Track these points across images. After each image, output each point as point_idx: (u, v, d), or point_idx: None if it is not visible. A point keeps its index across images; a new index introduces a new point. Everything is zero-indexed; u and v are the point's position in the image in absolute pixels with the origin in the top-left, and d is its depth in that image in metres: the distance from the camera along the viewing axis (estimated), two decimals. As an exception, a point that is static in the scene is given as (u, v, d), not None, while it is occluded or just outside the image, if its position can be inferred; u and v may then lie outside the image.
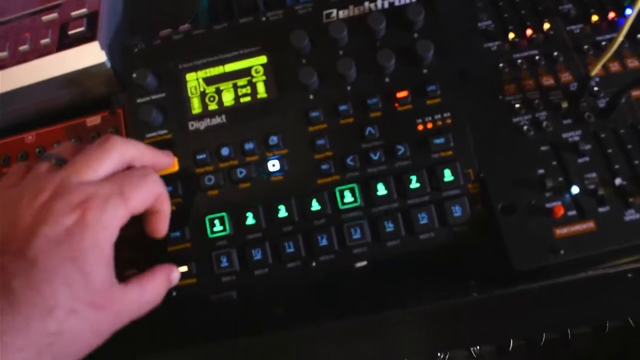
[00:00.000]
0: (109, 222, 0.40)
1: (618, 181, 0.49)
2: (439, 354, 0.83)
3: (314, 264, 0.51)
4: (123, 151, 0.44)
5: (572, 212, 0.49)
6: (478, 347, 0.83)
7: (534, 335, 0.79)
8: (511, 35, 0.56)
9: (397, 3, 0.55)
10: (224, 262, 0.51)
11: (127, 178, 0.43)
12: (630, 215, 0.48)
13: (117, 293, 0.41)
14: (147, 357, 0.55)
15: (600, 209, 0.48)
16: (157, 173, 0.47)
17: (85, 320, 0.38)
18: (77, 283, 0.38)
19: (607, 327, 0.80)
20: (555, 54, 0.54)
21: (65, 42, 0.57)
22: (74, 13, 0.59)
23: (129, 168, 0.46)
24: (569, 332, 0.80)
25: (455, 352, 0.84)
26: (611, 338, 0.81)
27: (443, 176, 0.51)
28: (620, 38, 0.46)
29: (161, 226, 0.48)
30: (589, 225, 0.48)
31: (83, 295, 0.38)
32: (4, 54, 0.58)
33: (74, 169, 0.42)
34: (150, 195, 0.45)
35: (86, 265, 0.38)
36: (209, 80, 0.55)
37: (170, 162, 0.51)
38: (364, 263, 0.53)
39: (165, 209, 0.47)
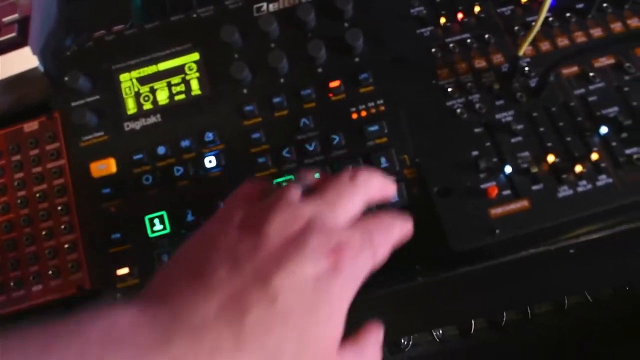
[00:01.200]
0: (359, 273, 0.36)
1: (551, 158, 0.50)
2: (402, 340, 0.83)
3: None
4: (371, 189, 0.40)
5: (507, 192, 0.49)
6: (440, 331, 0.84)
7: (493, 314, 0.79)
8: (443, 20, 0.56)
9: (326, -6, 0.55)
10: (166, 261, 0.51)
11: (375, 227, 0.38)
12: (564, 191, 0.49)
13: (338, 355, 0.35)
14: None
15: (534, 187, 0.49)
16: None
17: None
18: (311, 335, 0.33)
19: (566, 304, 0.81)
20: (487, 36, 0.55)
21: (-4, 49, 0.57)
22: (6, 19, 0.58)
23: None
24: (529, 310, 0.81)
25: (420, 337, 0.85)
26: (572, 314, 0.82)
27: (379, 163, 0.51)
28: (542, 16, 0.47)
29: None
30: (523, 203, 0.49)
31: (312, 350, 0.33)
32: None
33: (327, 203, 0.37)
34: (395, 241, 0.40)
35: (325, 317, 0.33)
36: (142, 80, 0.55)
37: (394, 191, 0.44)
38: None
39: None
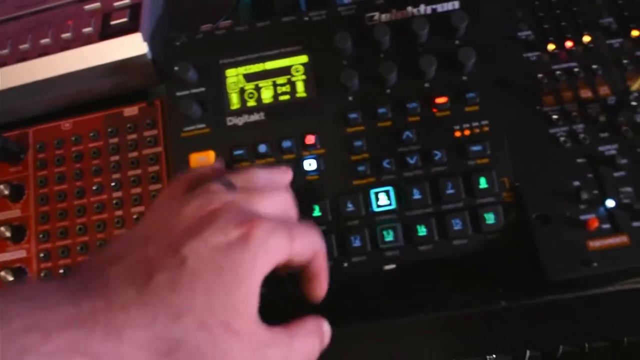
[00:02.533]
0: (272, 250, 0.37)
1: (653, 196, 0.49)
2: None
3: (345, 264, 0.52)
4: (287, 199, 0.44)
5: (606, 226, 0.49)
6: (494, 356, 0.83)
7: (552, 347, 0.79)
8: (551, 47, 0.56)
9: (439, 9, 0.55)
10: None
11: (294, 223, 0.41)
12: (664, 231, 0.48)
13: (260, 328, 0.36)
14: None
15: (635, 224, 0.49)
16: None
17: (214, 341, 0.33)
18: (218, 296, 0.34)
19: (625, 341, 0.80)
20: (594, 67, 0.55)
21: (107, 32, 0.58)
22: (117, 3, 0.60)
23: None
24: (586, 345, 0.80)
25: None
26: (629, 353, 0.81)
27: (478, 183, 0.51)
28: (664, 54, 0.47)
29: (320, 291, 0.45)
30: (623, 239, 0.48)
31: (219, 311, 0.33)
32: (46, 40, 0.58)
33: (247, 194, 0.40)
34: (314, 247, 0.41)
35: (233, 280, 0.34)
36: (248, 77, 0.56)
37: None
38: (392, 266, 0.53)
39: (324, 269, 0.44)
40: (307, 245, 0.40)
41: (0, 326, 0.29)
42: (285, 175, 0.48)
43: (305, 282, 0.44)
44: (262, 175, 0.44)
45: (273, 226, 0.37)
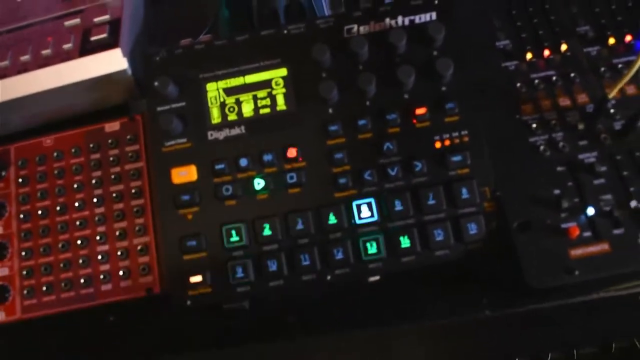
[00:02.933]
0: None
1: (633, 203, 0.49)
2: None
3: (329, 277, 0.52)
4: None
5: (587, 233, 0.49)
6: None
7: (540, 354, 0.79)
8: (529, 55, 0.56)
9: (417, 20, 0.55)
10: (239, 273, 0.52)
11: None
12: (645, 237, 0.49)
13: None
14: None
15: (615, 231, 0.49)
16: None
17: None
18: None
19: (613, 347, 0.80)
20: (572, 75, 0.55)
21: (87, 48, 0.58)
22: (97, 19, 0.59)
23: None
24: (575, 352, 0.80)
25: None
26: (617, 358, 0.81)
27: (460, 193, 0.51)
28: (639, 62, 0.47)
29: None
30: (604, 246, 0.49)
31: None
32: (26, 57, 0.58)
33: None
34: None
35: None
36: (229, 91, 0.56)
37: None
38: (377, 278, 0.53)
39: None
40: None
41: None
42: None
43: None
44: None
45: None
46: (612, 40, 0.56)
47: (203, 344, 0.57)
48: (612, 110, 0.53)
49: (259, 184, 0.53)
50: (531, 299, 0.51)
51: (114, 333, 0.59)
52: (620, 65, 0.55)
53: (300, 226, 0.52)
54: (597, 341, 0.74)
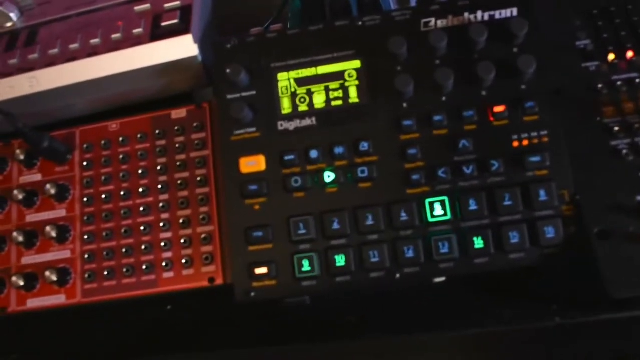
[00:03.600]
0: None
1: None
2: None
3: (398, 275, 0.50)
4: None
5: (671, 243, 0.47)
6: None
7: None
8: (611, 56, 0.54)
9: (497, 16, 0.54)
10: (306, 266, 0.51)
11: None
12: None
13: None
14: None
15: (701, 242, 0.47)
16: None
17: None
18: None
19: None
20: (657, 78, 0.53)
21: (158, 33, 0.57)
22: (167, 5, 0.59)
23: None
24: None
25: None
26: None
27: (537, 195, 0.50)
28: None
29: None
30: (689, 257, 0.47)
31: None
32: (96, 41, 0.58)
33: None
34: None
35: None
36: (300, 81, 0.55)
37: None
38: (442, 279, 0.52)
39: None
40: None
41: None
42: None
43: None
44: None
45: None
46: (699, 44, 0.54)
47: (259, 338, 0.56)
48: (699, 117, 0.51)
49: (329, 176, 0.52)
50: (605, 308, 0.50)
51: (172, 323, 0.59)
52: None
53: (370, 222, 0.51)
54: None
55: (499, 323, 0.52)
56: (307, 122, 0.54)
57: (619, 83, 0.53)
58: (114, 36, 0.58)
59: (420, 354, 0.57)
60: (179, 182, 0.57)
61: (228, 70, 0.54)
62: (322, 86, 0.54)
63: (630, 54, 0.54)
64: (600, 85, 0.53)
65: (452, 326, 0.53)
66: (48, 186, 0.58)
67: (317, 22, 0.56)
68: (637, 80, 0.53)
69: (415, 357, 0.58)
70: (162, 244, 0.56)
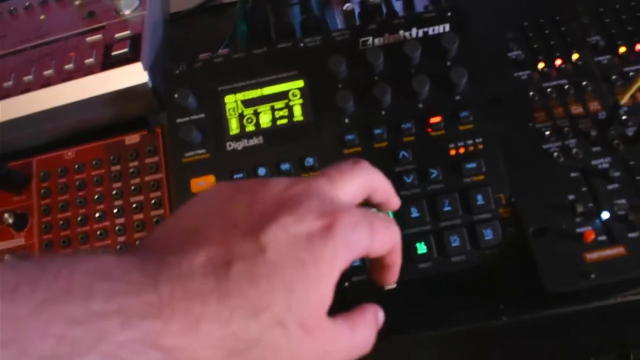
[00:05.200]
0: (353, 244, 0.34)
1: (647, 207, 0.50)
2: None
3: (346, 284, 0.52)
4: (373, 178, 0.40)
5: (603, 237, 0.50)
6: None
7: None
8: (541, 65, 0.57)
9: (430, 32, 0.57)
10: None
11: (375, 215, 0.37)
12: (660, 241, 0.49)
13: (328, 325, 0.34)
14: None
15: (630, 235, 0.49)
16: None
17: (289, 340, 0.31)
18: (298, 293, 0.31)
19: (631, 355, 0.80)
20: (584, 83, 0.56)
21: (109, 62, 0.59)
22: (118, 35, 0.61)
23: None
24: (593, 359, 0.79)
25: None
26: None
27: (475, 200, 0.52)
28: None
29: (392, 278, 0.43)
30: (619, 250, 0.49)
31: (298, 309, 0.31)
32: (49, 72, 0.60)
33: (327, 177, 0.37)
34: (392, 242, 0.39)
35: (314, 277, 0.32)
36: (247, 103, 0.57)
37: (397, 205, 0.44)
38: (393, 285, 0.54)
39: (399, 261, 0.41)
40: (387, 241, 0.38)
41: (81, 303, 0.27)
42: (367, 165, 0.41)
43: (376, 270, 0.42)
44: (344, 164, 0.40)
45: (356, 220, 0.34)
46: (622, 49, 0.57)
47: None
48: (624, 117, 0.54)
49: (277, 192, 0.54)
50: (548, 304, 0.52)
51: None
52: (631, 73, 0.56)
53: (318, 233, 0.52)
54: (615, 348, 0.74)
55: (450, 324, 0.54)
56: (255, 141, 0.56)
57: (549, 90, 0.56)
58: (66, 67, 0.60)
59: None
60: (134, 205, 0.59)
61: (176, 95, 0.56)
62: (267, 106, 0.56)
63: (558, 61, 0.57)
64: (532, 93, 0.56)
65: (404, 330, 0.55)
66: (6, 215, 0.59)
67: (262, 44, 0.59)
68: (566, 87, 0.56)
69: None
70: (120, 266, 0.57)
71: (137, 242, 0.34)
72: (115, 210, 0.59)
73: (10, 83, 0.61)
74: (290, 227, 0.32)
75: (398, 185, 0.53)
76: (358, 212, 0.35)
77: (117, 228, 0.59)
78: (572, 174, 0.52)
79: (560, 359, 0.78)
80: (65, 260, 0.30)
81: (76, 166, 0.61)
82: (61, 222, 0.60)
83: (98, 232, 0.59)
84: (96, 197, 0.60)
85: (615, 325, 0.59)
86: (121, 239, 0.58)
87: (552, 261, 0.49)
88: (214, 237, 0.32)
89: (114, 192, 0.60)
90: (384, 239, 0.37)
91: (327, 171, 0.38)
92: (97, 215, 0.59)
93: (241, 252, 0.31)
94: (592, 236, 0.49)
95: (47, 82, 0.59)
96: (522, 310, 0.52)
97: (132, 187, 0.60)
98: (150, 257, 0.31)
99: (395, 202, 0.43)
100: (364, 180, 0.39)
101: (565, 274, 0.49)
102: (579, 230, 0.50)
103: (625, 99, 0.51)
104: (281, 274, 0.31)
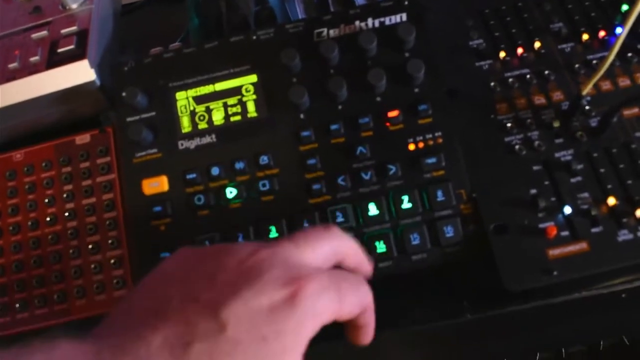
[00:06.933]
0: (320, 312, 0.33)
1: (611, 201, 0.49)
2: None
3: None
4: (343, 244, 0.39)
5: (565, 233, 0.48)
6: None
7: (528, 355, 0.78)
8: (502, 54, 0.55)
9: (387, 22, 0.55)
10: (214, 284, 0.51)
11: (344, 277, 0.36)
12: (624, 235, 0.48)
13: None
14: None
15: (594, 230, 0.48)
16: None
17: None
18: None
19: (602, 345, 0.80)
20: (547, 72, 0.54)
21: (54, 60, 0.57)
22: (64, 31, 0.59)
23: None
24: (563, 351, 0.79)
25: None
26: (605, 356, 0.81)
27: (435, 196, 0.50)
28: (612, 57, 0.46)
29: (367, 338, 0.41)
30: (582, 245, 0.48)
31: None
32: (-8, 71, 0.57)
33: (294, 241, 0.36)
34: (363, 304, 0.38)
35: (278, 351, 0.31)
36: (199, 99, 0.55)
37: (370, 273, 0.42)
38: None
39: (372, 321, 0.40)
40: (356, 303, 0.37)
41: None
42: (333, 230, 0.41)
43: (349, 330, 0.41)
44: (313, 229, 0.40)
45: (323, 285, 0.34)
46: (585, 37, 0.55)
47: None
48: (587, 108, 0.52)
49: (231, 192, 0.52)
50: (512, 301, 0.50)
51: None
52: (594, 62, 0.54)
53: (274, 234, 0.51)
54: (584, 340, 0.73)
55: (413, 323, 0.53)
56: (207, 139, 0.54)
57: (510, 80, 0.55)
58: (10, 65, 0.57)
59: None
60: (87, 208, 0.57)
61: (124, 94, 0.53)
62: (220, 102, 0.54)
63: (520, 50, 0.55)
64: (493, 83, 0.55)
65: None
66: (-47, 222, 0.57)
67: (213, 38, 0.57)
68: (528, 76, 0.54)
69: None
70: (73, 271, 0.56)
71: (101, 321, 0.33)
72: (66, 214, 0.57)
73: (-48, 83, 0.58)
74: (250, 300, 0.31)
75: (356, 181, 0.51)
76: (325, 277, 0.34)
77: (69, 232, 0.57)
78: (535, 167, 0.51)
79: (531, 352, 0.77)
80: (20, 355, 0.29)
81: (25, 168, 0.59)
82: (11, 227, 0.58)
83: (50, 237, 0.57)
84: (47, 200, 0.58)
85: (581, 318, 0.58)
86: (73, 242, 0.56)
87: (513, 259, 0.48)
88: (172, 315, 0.31)
89: (65, 194, 0.57)
90: (353, 302, 0.36)
91: (295, 236, 0.37)
92: (48, 219, 0.57)
93: (201, 330, 0.30)
94: (554, 232, 0.48)
95: (-10, 82, 0.57)
96: (486, 307, 0.51)
97: (84, 189, 0.57)
98: (107, 343, 0.30)
99: (367, 268, 0.42)
100: (333, 247, 0.38)
101: (527, 272, 0.48)
102: (541, 225, 0.49)
103: (587, 89, 0.49)
104: (242, 351, 0.30)
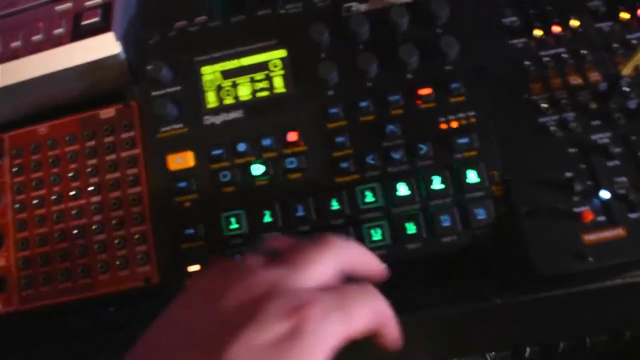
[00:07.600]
0: (328, 336, 0.32)
1: (649, 186, 0.47)
2: (453, 360, 0.81)
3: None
4: (346, 254, 0.38)
5: (602, 218, 0.47)
6: (493, 353, 0.81)
7: (551, 341, 0.77)
8: (537, 32, 0.54)
9: (419, -3, 0.53)
10: (238, 262, 0.50)
11: (348, 292, 0.35)
12: (662, 221, 0.46)
13: None
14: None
15: (631, 215, 0.47)
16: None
17: None
18: None
19: (626, 335, 0.78)
20: (584, 52, 0.52)
21: (79, 33, 0.56)
22: (88, 3, 0.58)
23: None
24: (587, 339, 0.78)
25: (469, 358, 0.83)
26: (629, 345, 0.79)
27: (467, 177, 0.49)
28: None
29: (394, 344, 0.39)
30: (619, 231, 0.47)
31: None
32: (17, 43, 0.57)
33: (291, 266, 0.35)
34: (376, 314, 0.36)
35: None
36: (225, 74, 0.54)
37: (383, 274, 0.41)
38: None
39: (393, 328, 0.38)
40: (368, 315, 0.35)
41: None
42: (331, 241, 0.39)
43: (376, 339, 0.38)
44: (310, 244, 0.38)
45: (327, 307, 0.32)
46: (624, 15, 0.53)
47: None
48: (626, 89, 0.50)
49: (257, 169, 0.51)
50: (541, 286, 0.49)
51: (114, 323, 0.58)
52: (634, 41, 0.52)
53: (300, 213, 0.50)
54: (608, 329, 0.72)
55: (443, 306, 0.52)
56: (234, 114, 0.53)
57: (545, 59, 0.53)
58: (34, 38, 0.56)
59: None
60: (111, 182, 0.56)
61: (149, 67, 0.52)
62: (247, 77, 0.53)
63: (556, 28, 0.54)
64: (527, 62, 0.53)
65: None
66: (-24, 195, 0.57)
67: (240, 12, 0.55)
68: (564, 55, 0.53)
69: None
70: (96, 246, 0.55)
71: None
72: (90, 188, 0.56)
73: (-24, 56, 0.58)
74: (253, 340, 0.31)
75: (385, 161, 0.50)
76: (328, 298, 0.33)
77: (93, 206, 0.56)
78: (570, 150, 0.49)
79: (554, 340, 0.76)
80: None
81: (49, 142, 0.58)
82: (35, 201, 0.57)
83: (73, 211, 0.56)
84: (71, 174, 0.57)
85: (608, 306, 0.57)
86: (97, 217, 0.56)
87: (547, 243, 0.47)
88: None
89: (89, 169, 0.57)
90: (364, 315, 0.34)
91: (291, 257, 0.36)
92: (72, 193, 0.57)
93: None
94: (590, 216, 0.47)
95: (15, 55, 0.56)
96: (514, 292, 0.50)
97: (108, 164, 0.57)
98: None
99: (378, 270, 0.41)
100: (335, 261, 0.36)
101: (561, 257, 0.46)
102: (576, 210, 0.47)
103: (627, 70, 0.48)
104: None
